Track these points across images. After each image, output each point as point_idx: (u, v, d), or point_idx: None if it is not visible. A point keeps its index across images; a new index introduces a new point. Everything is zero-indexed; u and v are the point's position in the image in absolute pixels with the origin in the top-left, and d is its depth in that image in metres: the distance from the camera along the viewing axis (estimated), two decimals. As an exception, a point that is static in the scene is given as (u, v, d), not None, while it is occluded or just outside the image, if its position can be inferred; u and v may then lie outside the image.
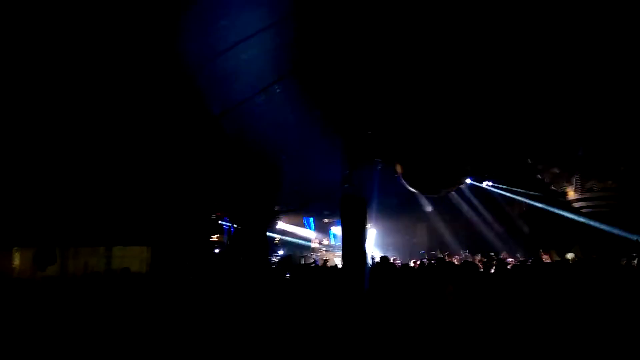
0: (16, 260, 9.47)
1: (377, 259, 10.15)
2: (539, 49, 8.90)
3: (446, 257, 14.40)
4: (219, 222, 15.55)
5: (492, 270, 8.29)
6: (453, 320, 4.89)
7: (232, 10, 8.51)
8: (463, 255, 14.37)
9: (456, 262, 12.48)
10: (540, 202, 14.65)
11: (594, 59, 8.99)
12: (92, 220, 10.09)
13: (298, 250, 18.06)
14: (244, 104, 11.08)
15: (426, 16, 8.45)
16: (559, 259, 11.65)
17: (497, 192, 16.18)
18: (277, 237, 17.92)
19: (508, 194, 15.62)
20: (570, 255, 12.08)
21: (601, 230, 12.98)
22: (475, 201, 16.43)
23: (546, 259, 12.09)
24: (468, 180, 14.56)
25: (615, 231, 12.37)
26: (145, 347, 4.93)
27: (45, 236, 9.50)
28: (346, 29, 8.91)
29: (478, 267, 8.44)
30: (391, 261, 11.51)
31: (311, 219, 19.17)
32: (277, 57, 9.85)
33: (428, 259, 13.60)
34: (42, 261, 9.35)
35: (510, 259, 12.23)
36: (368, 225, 12.27)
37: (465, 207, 16.24)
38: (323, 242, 18.56)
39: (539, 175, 11.77)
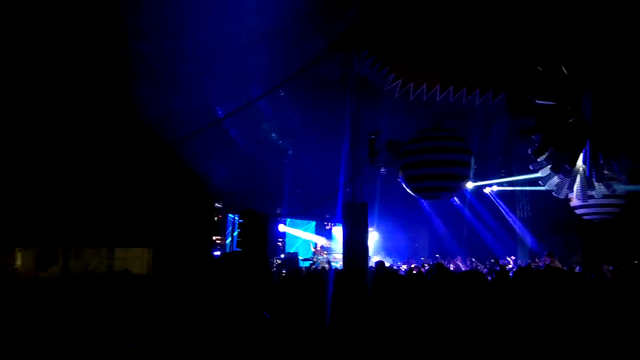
0: (18, 261, 9.49)
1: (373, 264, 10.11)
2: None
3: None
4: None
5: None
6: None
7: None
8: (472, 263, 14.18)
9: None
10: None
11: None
12: (95, 222, 10.12)
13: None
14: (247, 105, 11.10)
15: None
16: (560, 265, 11.60)
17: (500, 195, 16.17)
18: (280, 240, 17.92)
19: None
20: None
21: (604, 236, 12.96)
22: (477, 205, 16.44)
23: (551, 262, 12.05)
24: (470, 184, 14.54)
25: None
26: (146, 348, 4.93)
27: (48, 237, 9.52)
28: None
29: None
30: (394, 267, 11.48)
31: (313, 223, 19.16)
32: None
33: (429, 265, 13.56)
34: (44, 262, 9.37)
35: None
36: (370, 229, 12.25)
37: (467, 211, 16.24)
38: (325, 245, 18.53)
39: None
